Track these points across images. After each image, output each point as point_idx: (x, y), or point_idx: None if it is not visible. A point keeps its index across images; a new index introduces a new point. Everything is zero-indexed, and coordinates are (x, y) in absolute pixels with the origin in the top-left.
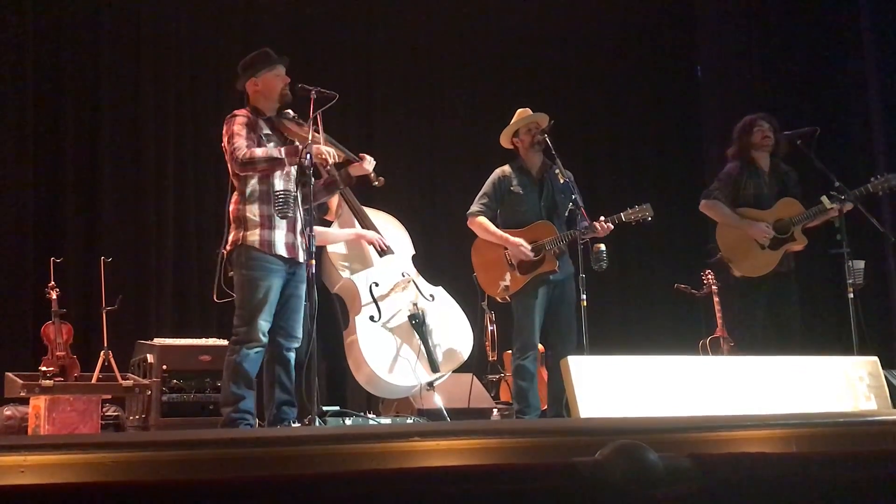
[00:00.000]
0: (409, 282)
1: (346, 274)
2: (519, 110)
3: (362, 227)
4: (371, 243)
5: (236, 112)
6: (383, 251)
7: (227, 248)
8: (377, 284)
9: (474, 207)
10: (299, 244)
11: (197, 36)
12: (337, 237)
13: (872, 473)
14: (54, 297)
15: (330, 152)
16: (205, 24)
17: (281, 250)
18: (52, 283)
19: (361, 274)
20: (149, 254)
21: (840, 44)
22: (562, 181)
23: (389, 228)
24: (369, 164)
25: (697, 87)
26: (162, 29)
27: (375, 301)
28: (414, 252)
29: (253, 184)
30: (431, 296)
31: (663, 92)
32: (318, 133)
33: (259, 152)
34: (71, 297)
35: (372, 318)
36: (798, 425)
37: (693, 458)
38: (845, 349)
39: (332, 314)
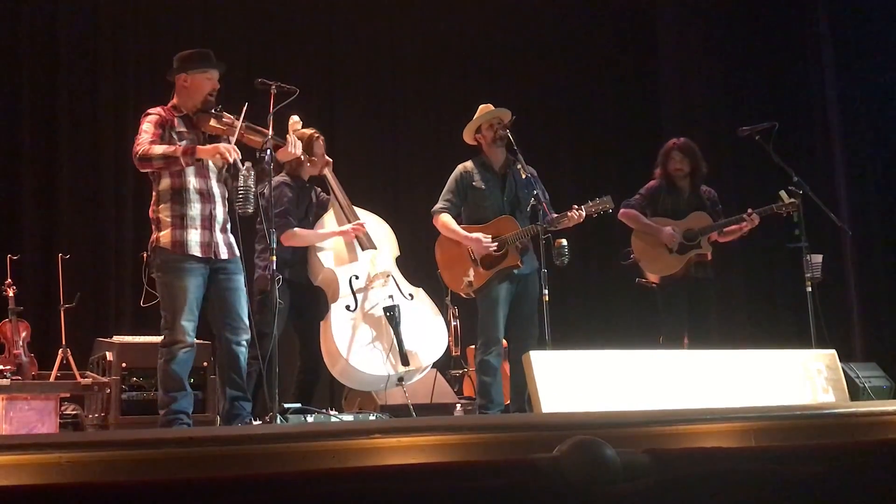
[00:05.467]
0: (388, 276)
1: (328, 265)
2: (481, 106)
3: (348, 222)
4: (351, 237)
5: (150, 110)
6: (364, 246)
7: (148, 249)
8: (357, 277)
9: (438, 205)
10: (219, 241)
11: (156, 31)
12: (314, 238)
13: (831, 466)
14: (11, 294)
15: (227, 147)
16: (164, 20)
17: (194, 250)
18: (9, 280)
19: (343, 267)
20: (107, 250)
21: (798, 41)
22: (524, 176)
23: (376, 227)
24: (293, 146)
25: (658, 82)
26: (120, 23)
27: (353, 293)
28: (398, 254)
29: (165, 183)
30: (410, 295)
31: (624, 87)
32: (240, 121)
33: (157, 149)
34: (28, 294)
35: (348, 307)
36: (757, 418)
37: (650, 453)
38: (804, 342)
39: (315, 313)
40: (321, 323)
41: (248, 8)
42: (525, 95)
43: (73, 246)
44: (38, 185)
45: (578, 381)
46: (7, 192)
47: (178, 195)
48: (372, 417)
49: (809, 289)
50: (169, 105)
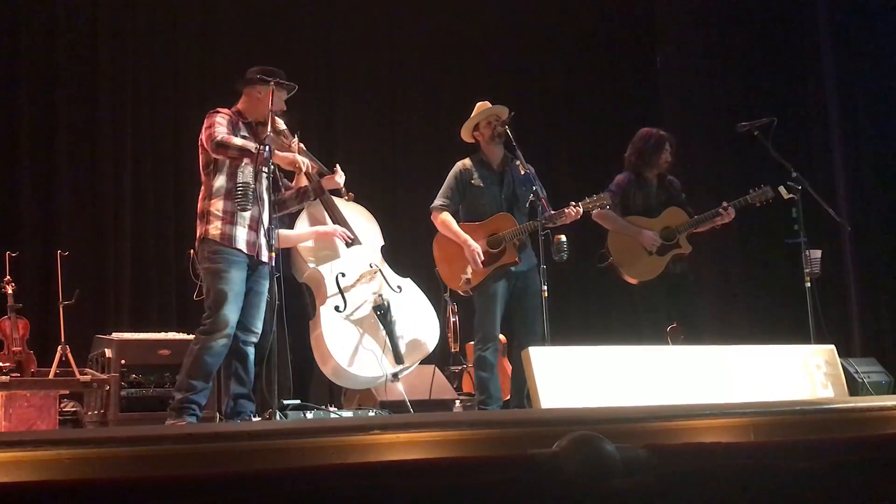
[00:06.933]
0: (375, 272)
1: (312, 264)
2: (479, 103)
3: (331, 218)
4: (334, 237)
5: (219, 109)
6: (350, 242)
7: (195, 244)
8: (344, 275)
9: (436, 203)
10: (263, 244)
11: (154, 28)
12: (299, 238)
13: (830, 461)
14: (10, 291)
15: (304, 161)
16: (162, 19)
17: (241, 245)
18: (8, 277)
19: (328, 264)
20: (106, 247)
21: (797, 34)
22: (523, 173)
23: (359, 219)
24: (340, 177)
25: (657, 78)
26: (118, 22)
27: (342, 291)
28: (383, 243)
29: (220, 180)
30: (399, 287)
31: (623, 83)
32: (297, 142)
33: (237, 141)
34: (27, 291)
35: (337, 308)
36: (756, 414)
37: (650, 448)
38: (803, 338)
39: (302, 307)
40: (310, 322)
41: (246, 4)
42: (523, 92)
43: (72, 243)
44: (37, 181)
45: (577, 377)
46: (6, 189)
47: (232, 194)
48: (371, 414)
49: (808, 284)
50: (234, 109)
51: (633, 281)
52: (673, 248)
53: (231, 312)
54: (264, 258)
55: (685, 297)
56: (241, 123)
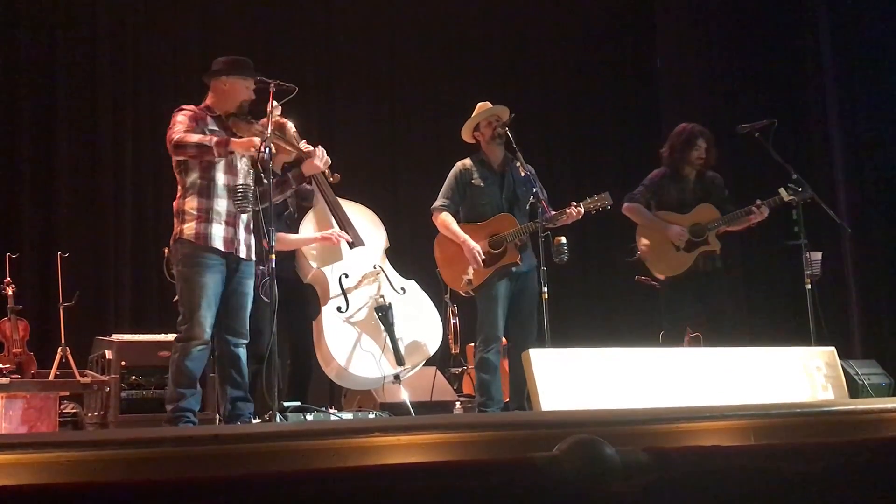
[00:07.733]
0: (378, 274)
1: (315, 265)
2: (479, 104)
3: (336, 219)
4: (335, 242)
5: (183, 106)
6: (353, 244)
7: (170, 243)
8: (347, 276)
9: (437, 203)
10: (241, 240)
11: (154, 28)
12: (295, 243)
13: (830, 464)
14: (10, 293)
15: (256, 142)
16: (162, 17)
17: (217, 244)
18: (8, 278)
19: (331, 266)
20: (106, 249)
21: (797, 35)
22: (523, 174)
23: (363, 220)
24: (319, 160)
25: (657, 79)
26: (118, 22)
27: (344, 292)
28: (388, 245)
29: (193, 177)
30: (402, 289)
31: (623, 83)
32: (269, 129)
33: (193, 137)
34: (27, 293)
35: (339, 308)
36: (756, 416)
37: (650, 451)
38: (803, 340)
39: (303, 308)
40: (314, 323)
41: (247, 6)
42: (523, 92)
43: (71, 244)
44: (38, 183)
45: (578, 379)
46: (6, 191)
47: (206, 189)
48: (371, 416)
49: (809, 286)
50: (202, 105)
51: (660, 276)
52: (701, 244)
53: (205, 318)
54: (242, 254)
55: (716, 298)
56: (209, 118)
